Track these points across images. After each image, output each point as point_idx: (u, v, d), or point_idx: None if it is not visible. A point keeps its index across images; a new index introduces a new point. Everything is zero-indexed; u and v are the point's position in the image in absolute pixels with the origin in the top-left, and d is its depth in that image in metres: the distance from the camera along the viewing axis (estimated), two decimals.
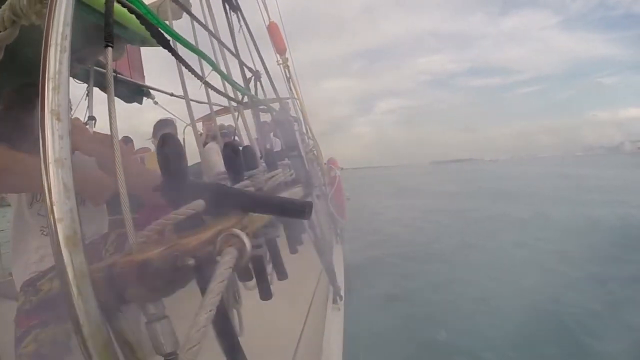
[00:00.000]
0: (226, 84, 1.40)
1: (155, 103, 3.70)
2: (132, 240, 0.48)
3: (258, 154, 1.34)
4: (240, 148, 0.99)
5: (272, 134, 3.34)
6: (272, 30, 4.16)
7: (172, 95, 3.77)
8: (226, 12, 2.46)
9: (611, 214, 9.44)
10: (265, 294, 0.83)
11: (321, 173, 3.74)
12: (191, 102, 1.26)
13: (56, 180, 0.37)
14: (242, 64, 2.20)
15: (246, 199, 0.74)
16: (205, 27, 1.45)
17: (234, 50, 2.06)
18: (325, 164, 3.92)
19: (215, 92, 1.31)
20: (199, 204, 0.57)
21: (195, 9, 2.07)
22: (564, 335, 3.58)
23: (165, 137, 0.62)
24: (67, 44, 0.44)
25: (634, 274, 4.84)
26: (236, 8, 2.58)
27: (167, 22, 0.86)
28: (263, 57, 2.37)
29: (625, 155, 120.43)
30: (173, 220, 0.54)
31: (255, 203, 0.73)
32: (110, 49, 0.59)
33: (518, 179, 27.38)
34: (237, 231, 0.50)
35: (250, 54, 2.35)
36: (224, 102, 1.51)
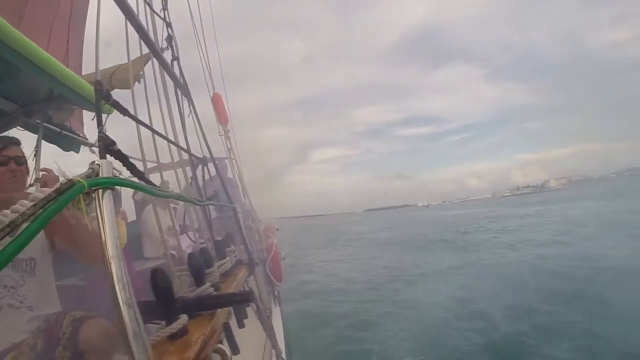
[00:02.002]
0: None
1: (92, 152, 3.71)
2: None
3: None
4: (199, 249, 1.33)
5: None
6: (216, 101, 4.53)
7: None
8: (177, 97, 2.81)
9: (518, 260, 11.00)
10: None
11: (259, 238, 4.03)
12: None
13: None
14: (190, 155, 2.54)
15: (211, 302, 1.07)
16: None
17: (182, 133, 2.43)
18: (262, 230, 4.22)
19: None
20: (184, 318, 0.89)
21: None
22: None
23: (155, 272, 0.93)
24: None
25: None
26: (187, 94, 2.95)
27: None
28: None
29: (551, 192, 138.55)
30: (168, 333, 0.84)
31: (216, 304, 1.07)
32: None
33: (437, 224, 30.81)
34: (222, 347, 0.84)
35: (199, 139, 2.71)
36: None
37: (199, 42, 4.49)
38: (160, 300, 0.89)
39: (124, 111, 1.24)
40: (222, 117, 4.42)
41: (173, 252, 2.20)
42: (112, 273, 0.58)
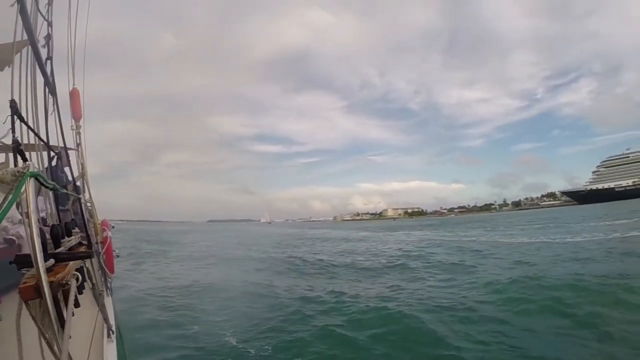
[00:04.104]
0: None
1: None
2: None
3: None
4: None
5: None
6: (73, 96, 4.57)
7: None
8: (45, 94, 3.08)
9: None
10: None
11: (95, 231, 4.21)
12: None
13: None
14: (48, 147, 2.88)
15: (67, 255, 1.70)
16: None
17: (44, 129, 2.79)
18: (99, 224, 4.39)
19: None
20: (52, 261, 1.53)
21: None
22: None
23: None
24: None
25: None
26: (53, 92, 3.23)
27: None
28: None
29: (387, 220, 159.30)
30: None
31: (70, 257, 1.71)
32: None
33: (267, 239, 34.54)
34: (76, 274, 1.51)
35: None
36: None
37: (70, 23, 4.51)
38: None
39: None
40: (76, 112, 4.51)
41: (12, 237, 2.47)
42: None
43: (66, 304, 1.37)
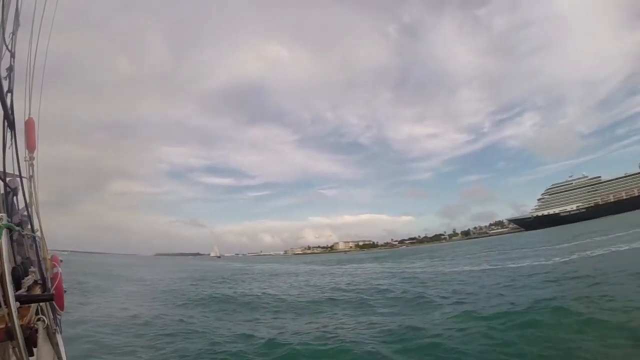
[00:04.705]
0: None
1: None
2: None
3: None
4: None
5: None
6: (29, 126, 4.39)
7: None
8: (3, 129, 3.00)
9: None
10: None
11: (45, 267, 3.96)
12: None
13: None
14: (5, 182, 2.79)
15: (30, 297, 1.69)
16: None
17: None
18: (49, 259, 4.15)
19: None
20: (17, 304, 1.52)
21: None
22: None
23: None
24: None
25: None
26: (13, 125, 3.15)
27: None
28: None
29: (338, 253, 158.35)
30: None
31: (34, 299, 1.70)
32: None
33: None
34: (43, 317, 1.52)
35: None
36: None
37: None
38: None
39: None
40: (31, 143, 4.34)
41: None
42: None
43: (34, 345, 1.38)
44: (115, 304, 15.95)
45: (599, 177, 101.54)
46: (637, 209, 79.27)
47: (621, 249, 19.68)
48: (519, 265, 21.00)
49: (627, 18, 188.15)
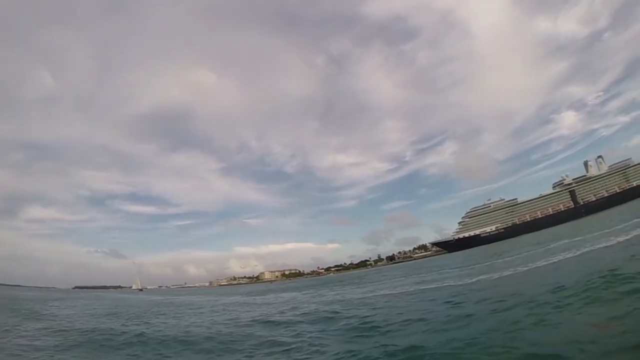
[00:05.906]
0: None
1: None
2: None
3: None
4: None
5: None
6: None
7: None
8: None
9: None
10: None
11: None
12: None
13: None
14: None
15: None
16: None
17: None
18: None
19: None
20: None
21: None
22: None
23: None
24: None
25: None
26: None
27: None
28: None
29: (264, 282, 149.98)
30: None
31: None
32: None
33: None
34: None
35: None
36: None
37: None
38: None
39: None
40: None
41: None
42: None
43: None
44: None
45: (515, 199, 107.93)
46: (551, 226, 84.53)
47: (522, 269, 18.72)
48: (430, 286, 20.25)
49: (538, 56, 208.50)
